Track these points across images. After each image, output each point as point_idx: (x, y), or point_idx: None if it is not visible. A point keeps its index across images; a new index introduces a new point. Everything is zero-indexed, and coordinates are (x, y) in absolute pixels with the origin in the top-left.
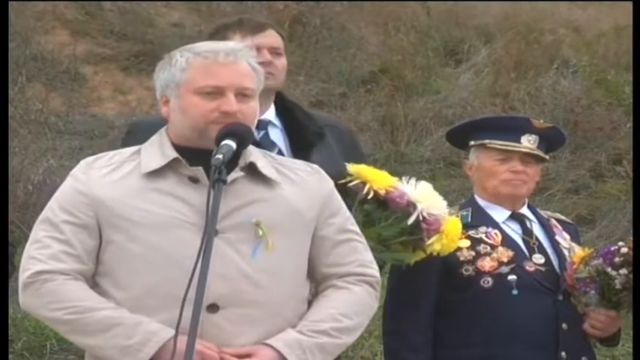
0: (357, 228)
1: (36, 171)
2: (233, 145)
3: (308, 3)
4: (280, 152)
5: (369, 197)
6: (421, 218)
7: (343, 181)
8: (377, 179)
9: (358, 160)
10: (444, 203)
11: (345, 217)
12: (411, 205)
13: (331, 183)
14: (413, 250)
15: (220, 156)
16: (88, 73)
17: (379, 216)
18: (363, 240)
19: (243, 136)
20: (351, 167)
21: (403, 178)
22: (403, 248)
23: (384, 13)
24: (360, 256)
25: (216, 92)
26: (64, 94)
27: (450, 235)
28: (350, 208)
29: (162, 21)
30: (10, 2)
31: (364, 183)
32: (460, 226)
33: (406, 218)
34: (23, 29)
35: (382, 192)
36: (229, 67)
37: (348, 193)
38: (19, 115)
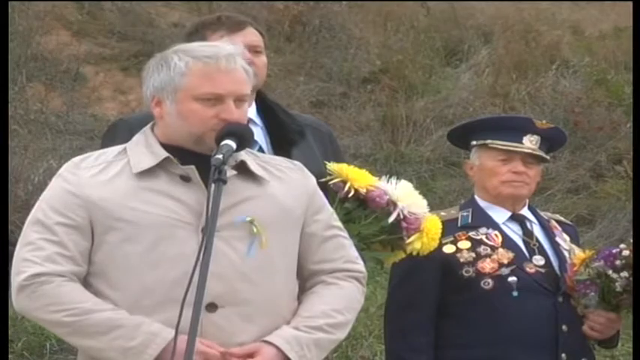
0: (340, 224)
1: (36, 171)
2: (233, 145)
3: (308, 3)
4: (261, 150)
5: (350, 196)
6: (401, 217)
7: (324, 179)
8: (357, 178)
9: (338, 160)
10: (425, 202)
11: (329, 213)
12: (391, 204)
13: (314, 179)
14: (392, 250)
15: (220, 156)
16: (89, 73)
17: (359, 215)
18: (347, 235)
19: (243, 136)
20: (332, 166)
21: (384, 176)
22: (382, 247)
23: (384, 13)
24: (345, 252)
25: (217, 99)
26: (64, 94)
27: (430, 234)
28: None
29: (163, 21)
30: (10, 2)
31: (345, 182)
32: (440, 224)
33: (386, 217)
34: (23, 29)
35: (363, 191)
36: (230, 75)
37: (329, 191)
38: (19, 115)
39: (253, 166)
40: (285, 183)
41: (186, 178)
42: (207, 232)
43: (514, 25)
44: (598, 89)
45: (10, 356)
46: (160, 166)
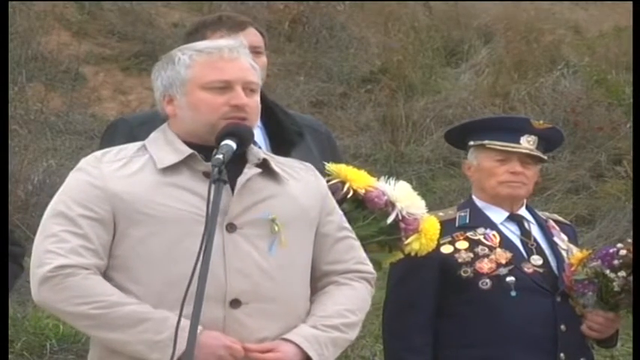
0: (348, 225)
1: (36, 171)
2: (233, 145)
3: (308, 3)
4: None
5: (348, 196)
6: (400, 218)
7: None
8: (356, 179)
9: (336, 160)
10: (423, 203)
11: (340, 215)
12: (389, 205)
13: (324, 181)
14: (389, 251)
15: (220, 156)
16: (88, 73)
17: (357, 216)
18: (355, 237)
19: (243, 136)
20: (331, 166)
21: (383, 177)
22: (380, 248)
23: (384, 13)
24: (356, 253)
25: (225, 87)
26: (64, 94)
27: (428, 235)
28: None
29: (162, 21)
30: (10, 2)
31: (343, 182)
32: (438, 225)
33: (384, 218)
34: (23, 29)
35: (361, 191)
36: (234, 63)
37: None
38: (19, 115)
39: (275, 165)
40: (301, 183)
41: (209, 175)
42: (207, 232)
43: (514, 26)
44: (598, 89)
45: (10, 356)
46: (184, 163)
